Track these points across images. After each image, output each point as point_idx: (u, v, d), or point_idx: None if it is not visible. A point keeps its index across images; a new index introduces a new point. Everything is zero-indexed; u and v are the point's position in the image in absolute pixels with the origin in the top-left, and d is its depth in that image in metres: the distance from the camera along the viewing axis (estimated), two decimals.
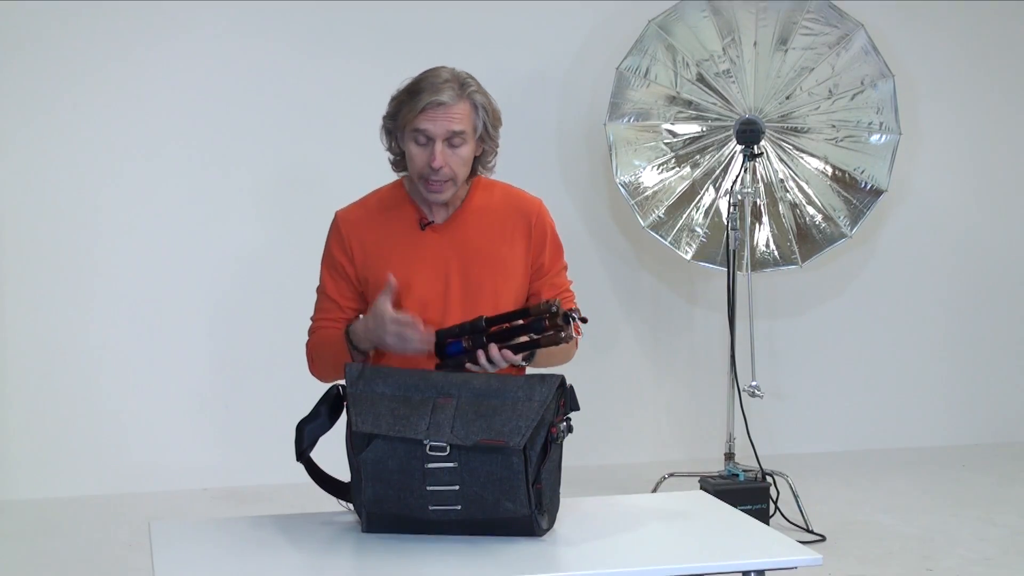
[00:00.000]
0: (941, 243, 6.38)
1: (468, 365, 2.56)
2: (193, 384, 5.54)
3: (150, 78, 5.42)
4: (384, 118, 2.78)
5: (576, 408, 2.52)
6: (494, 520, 2.41)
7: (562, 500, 2.59)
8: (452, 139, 2.69)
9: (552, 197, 6.22)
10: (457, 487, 2.38)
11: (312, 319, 2.86)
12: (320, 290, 2.85)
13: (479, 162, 2.80)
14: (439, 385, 2.45)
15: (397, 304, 2.68)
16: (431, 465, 2.38)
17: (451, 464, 2.37)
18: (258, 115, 5.54)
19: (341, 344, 2.70)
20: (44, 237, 5.36)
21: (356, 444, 2.43)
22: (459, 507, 2.39)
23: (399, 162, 2.82)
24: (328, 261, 2.83)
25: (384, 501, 2.42)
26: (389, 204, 2.82)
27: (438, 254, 2.75)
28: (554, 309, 2.53)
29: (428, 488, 2.38)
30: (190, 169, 5.49)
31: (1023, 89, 6.43)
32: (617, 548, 2.45)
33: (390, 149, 2.82)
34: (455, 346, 2.57)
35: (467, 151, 2.72)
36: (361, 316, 2.77)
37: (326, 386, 2.63)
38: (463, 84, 2.71)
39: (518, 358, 2.57)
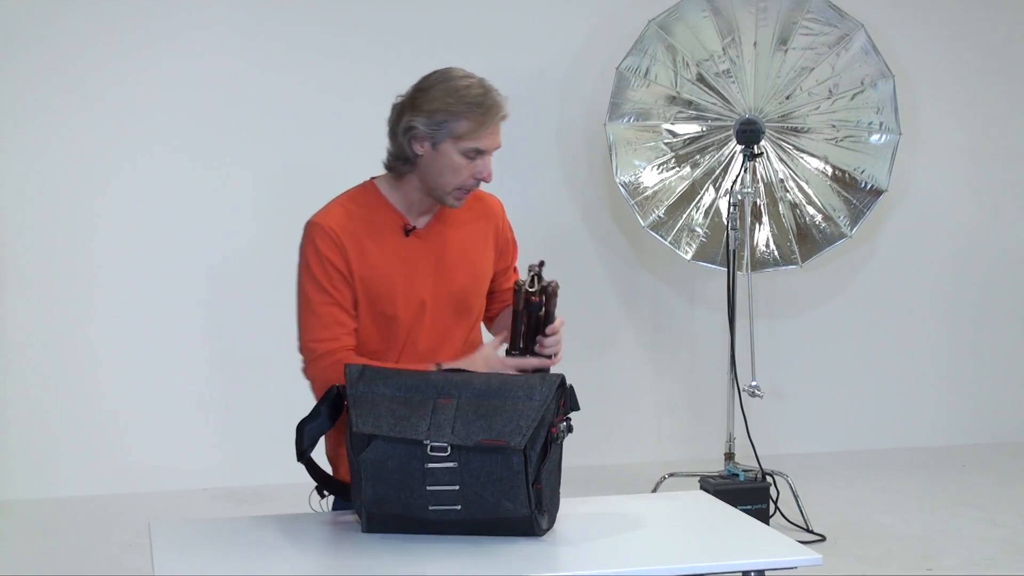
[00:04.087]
0: (941, 243, 6.38)
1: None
2: (193, 384, 5.54)
3: (150, 78, 5.41)
4: (417, 122, 2.65)
5: (576, 408, 2.52)
6: (494, 520, 2.41)
7: (562, 500, 2.59)
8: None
9: (552, 197, 6.24)
10: (457, 487, 2.38)
11: (317, 340, 2.66)
12: (319, 304, 2.66)
13: None
14: (439, 385, 2.45)
15: (392, 317, 2.69)
16: (431, 465, 2.38)
17: (451, 464, 2.37)
18: (258, 115, 5.53)
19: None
20: (44, 237, 5.36)
21: (356, 445, 2.43)
22: (459, 507, 2.39)
23: (397, 163, 2.72)
24: (322, 270, 2.65)
25: (384, 501, 2.42)
26: (368, 209, 2.74)
27: (422, 260, 2.74)
28: (523, 286, 2.63)
29: (428, 488, 2.38)
30: (190, 169, 5.49)
31: (1023, 89, 6.43)
32: (617, 548, 2.45)
33: (400, 149, 2.70)
34: None
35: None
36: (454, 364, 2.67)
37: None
38: (498, 92, 2.71)
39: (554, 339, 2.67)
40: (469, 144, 2.63)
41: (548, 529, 2.47)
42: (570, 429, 2.50)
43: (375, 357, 2.72)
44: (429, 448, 2.37)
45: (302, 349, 2.70)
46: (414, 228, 2.74)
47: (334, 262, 2.66)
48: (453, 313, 2.75)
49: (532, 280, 2.62)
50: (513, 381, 2.46)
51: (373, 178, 2.81)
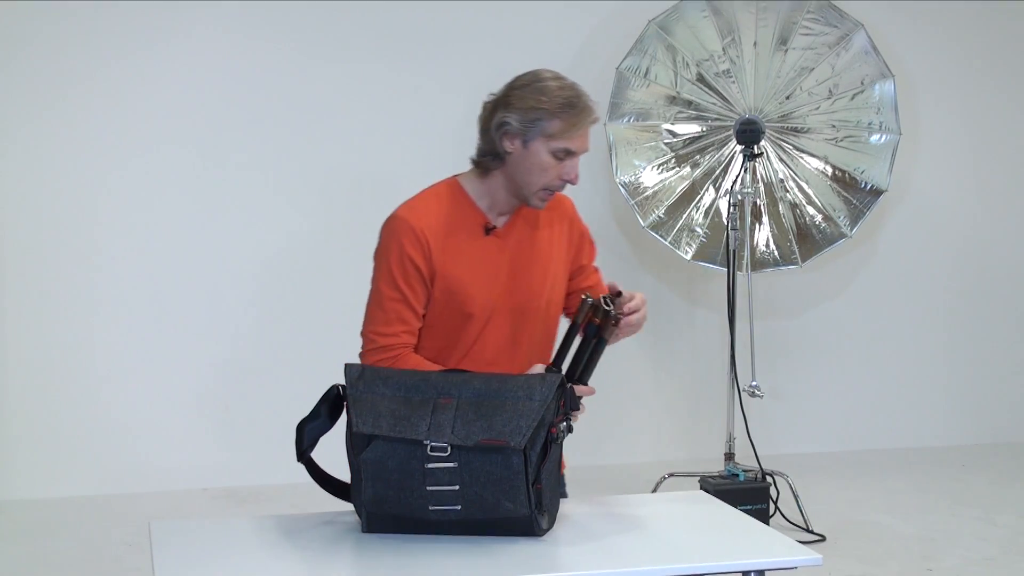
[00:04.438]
0: (941, 243, 6.38)
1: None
2: (193, 384, 5.54)
3: (150, 79, 5.42)
4: (511, 118, 2.64)
5: (576, 408, 2.52)
6: (494, 520, 2.41)
7: (562, 500, 2.59)
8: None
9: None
10: (457, 487, 2.38)
11: (378, 332, 2.69)
12: (392, 297, 2.68)
13: None
14: (439, 386, 2.45)
15: (467, 316, 2.69)
16: (431, 465, 2.38)
17: (451, 464, 2.37)
18: (259, 116, 5.53)
19: None
20: (44, 238, 5.36)
21: (356, 445, 2.43)
22: (459, 507, 2.39)
23: (487, 160, 2.71)
24: (400, 267, 2.66)
25: (384, 501, 2.42)
26: (452, 206, 2.74)
27: (499, 260, 2.75)
28: (590, 303, 2.62)
29: (428, 488, 2.38)
30: (190, 170, 5.49)
31: (1023, 89, 6.43)
32: (617, 548, 2.45)
33: (490, 145, 2.69)
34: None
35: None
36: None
37: (326, 386, 2.62)
38: (589, 97, 2.69)
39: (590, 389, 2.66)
40: (560, 144, 2.64)
41: (548, 529, 2.47)
42: (570, 429, 2.50)
43: (440, 355, 2.73)
44: (429, 448, 2.37)
45: (363, 335, 2.74)
46: (494, 228, 2.75)
47: (415, 261, 2.68)
48: (524, 316, 2.75)
49: (602, 308, 2.61)
50: (513, 381, 2.46)
51: (456, 175, 2.80)
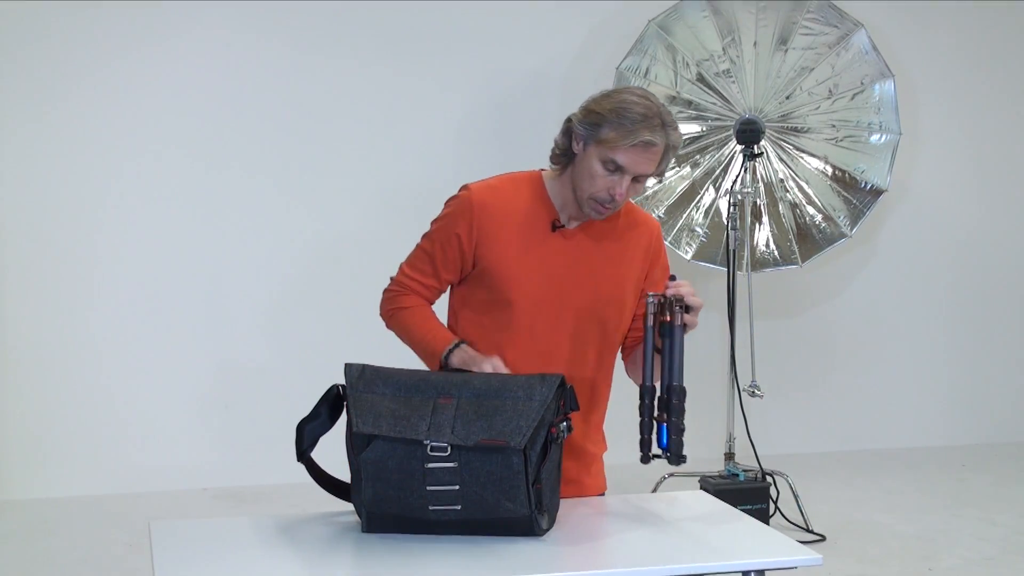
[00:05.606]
0: (941, 243, 6.38)
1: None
2: (193, 384, 5.54)
3: (151, 78, 5.42)
4: (576, 120, 2.67)
5: (575, 408, 2.52)
6: (494, 520, 2.41)
7: (562, 500, 2.59)
8: (638, 176, 2.66)
9: None
10: (457, 487, 2.38)
11: (404, 270, 2.79)
12: (426, 251, 2.76)
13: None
14: (439, 386, 2.45)
15: (507, 302, 2.70)
16: (431, 465, 2.37)
17: (451, 464, 2.37)
18: (259, 117, 5.54)
19: (429, 355, 2.70)
20: (45, 238, 5.36)
21: (356, 445, 2.43)
22: (459, 507, 2.39)
23: (560, 157, 2.74)
24: (445, 232, 2.73)
25: (384, 501, 2.41)
26: (526, 197, 2.76)
27: (561, 259, 2.73)
28: (655, 303, 2.63)
29: (428, 488, 2.38)
30: (190, 170, 5.49)
31: (1023, 89, 6.43)
32: (617, 548, 2.45)
33: (560, 143, 2.73)
34: (662, 436, 2.67)
35: (643, 185, 2.71)
36: (467, 348, 2.67)
37: (326, 386, 2.63)
38: (665, 123, 2.64)
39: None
40: (607, 153, 2.62)
41: (548, 529, 2.47)
42: (570, 429, 2.50)
43: (484, 333, 2.73)
44: (429, 448, 2.37)
45: (400, 267, 2.82)
46: (563, 226, 2.74)
47: (458, 232, 2.72)
48: (580, 320, 2.73)
49: (668, 304, 2.63)
50: (513, 381, 2.46)
51: (543, 169, 2.82)
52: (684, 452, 2.61)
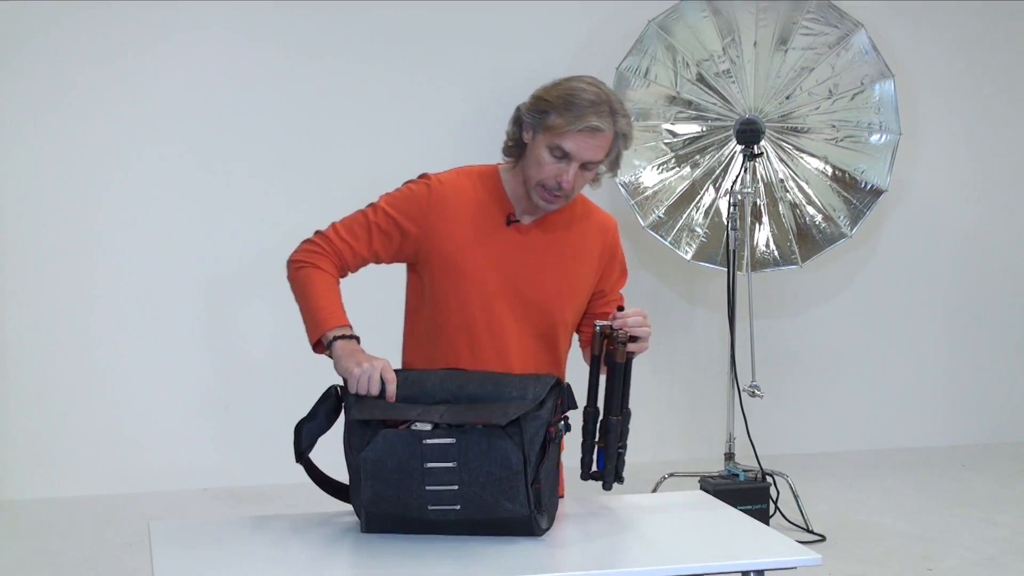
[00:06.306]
0: (941, 243, 6.38)
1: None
2: (193, 384, 5.54)
3: (150, 79, 5.42)
4: (524, 109, 2.68)
5: (574, 406, 2.52)
6: (493, 520, 2.41)
7: (562, 500, 2.59)
8: (587, 163, 2.65)
9: None
10: (456, 487, 2.38)
11: (339, 230, 2.78)
12: (368, 219, 2.74)
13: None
14: (435, 393, 2.47)
15: (461, 296, 2.68)
16: (430, 465, 2.38)
17: (450, 464, 2.37)
18: (258, 116, 5.54)
19: (317, 324, 2.66)
20: (45, 237, 5.36)
21: (354, 444, 2.43)
22: (458, 507, 2.39)
23: (513, 149, 2.73)
24: (393, 215, 2.71)
25: (383, 501, 2.41)
26: (483, 190, 2.75)
27: (515, 254, 2.72)
28: (601, 333, 2.60)
29: (427, 488, 2.38)
30: (190, 170, 5.49)
31: (1023, 89, 6.43)
32: (617, 548, 2.45)
33: (511, 134, 2.73)
34: (599, 460, 2.61)
35: (592, 174, 2.69)
36: (355, 346, 2.61)
37: (326, 386, 2.63)
38: (614, 110, 2.65)
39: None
40: (554, 139, 2.62)
41: (547, 529, 2.47)
42: (568, 428, 2.50)
43: (439, 327, 2.70)
44: (427, 443, 2.37)
45: (333, 225, 2.81)
46: (517, 220, 2.73)
47: (405, 223, 2.71)
48: (534, 315, 2.72)
49: (612, 337, 2.60)
50: (507, 382, 2.47)
51: (499, 163, 2.81)
52: (623, 474, 2.59)
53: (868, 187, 5.30)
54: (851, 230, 5.31)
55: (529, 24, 5.80)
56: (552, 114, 2.62)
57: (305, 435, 2.54)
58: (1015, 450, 6.32)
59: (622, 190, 5.29)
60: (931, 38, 6.26)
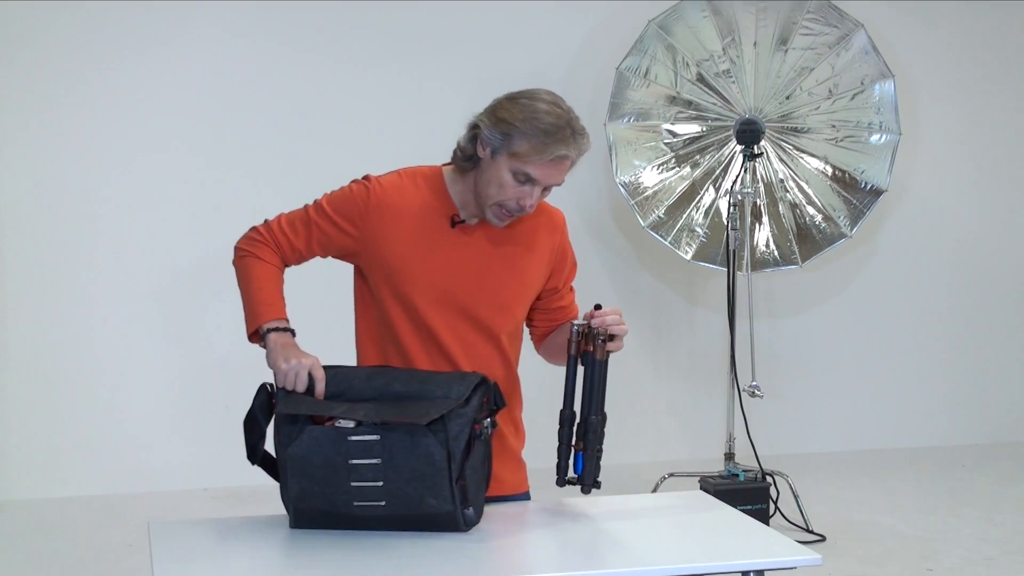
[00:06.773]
0: (941, 243, 6.38)
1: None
2: (193, 384, 5.54)
3: (151, 79, 5.42)
4: (485, 127, 2.60)
5: (502, 404, 2.51)
6: (419, 516, 2.42)
7: (563, 500, 2.59)
8: (548, 187, 2.65)
9: (552, 197, 6.22)
10: (381, 483, 2.39)
11: (282, 224, 2.78)
12: (310, 217, 2.75)
13: None
14: (363, 392, 2.48)
15: (407, 299, 2.67)
16: (355, 461, 2.39)
17: (375, 460, 2.38)
18: (257, 116, 5.54)
19: (256, 314, 2.71)
20: (44, 238, 5.36)
21: (282, 440, 2.44)
22: (383, 503, 2.40)
23: (464, 162, 2.68)
24: (330, 212, 2.72)
25: (310, 497, 2.44)
26: (427, 192, 2.73)
27: (462, 255, 2.71)
28: (578, 332, 2.59)
29: (352, 484, 2.40)
30: (190, 171, 5.49)
31: (1023, 89, 6.43)
32: (617, 548, 2.45)
33: (465, 148, 2.67)
34: (578, 463, 2.58)
35: (550, 191, 2.68)
36: (288, 340, 2.63)
37: None
38: (575, 131, 2.63)
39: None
40: (520, 166, 2.58)
41: (477, 522, 2.46)
42: (494, 425, 2.50)
43: (385, 330, 2.70)
44: (352, 439, 2.38)
45: (278, 217, 2.81)
46: (462, 221, 2.71)
47: (336, 220, 2.72)
48: (481, 315, 2.70)
49: (587, 335, 2.58)
50: (433, 381, 2.47)
51: (444, 165, 2.78)
52: (599, 479, 2.57)
53: (868, 187, 5.30)
54: (851, 230, 5.31)
55: (529, 24, 5.80)
56: (517, 139, 2.57)
57: (247, 436, 2.55)
58: (1015, 450, 6.32)
59: (622, 190, 5.29)
60: (931, 38, 6.26)
